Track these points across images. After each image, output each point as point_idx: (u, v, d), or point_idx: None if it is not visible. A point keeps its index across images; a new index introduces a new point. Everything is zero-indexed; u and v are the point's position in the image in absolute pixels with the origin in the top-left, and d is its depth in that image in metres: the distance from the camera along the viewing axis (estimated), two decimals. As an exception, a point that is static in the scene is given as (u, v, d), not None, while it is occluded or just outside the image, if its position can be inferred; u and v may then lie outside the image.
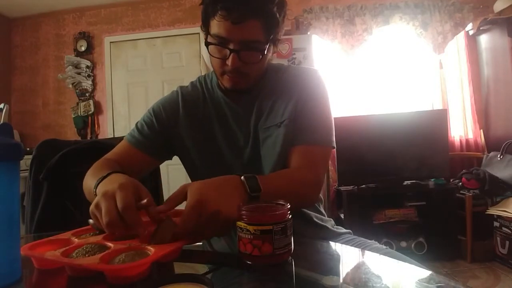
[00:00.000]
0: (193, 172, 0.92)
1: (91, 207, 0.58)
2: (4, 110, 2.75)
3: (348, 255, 0.67)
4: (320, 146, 0.82)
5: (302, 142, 0.81)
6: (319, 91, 0.86)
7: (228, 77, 0.79)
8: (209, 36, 0.78)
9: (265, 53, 0.77)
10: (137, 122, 0.92)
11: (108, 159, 0.86)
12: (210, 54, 0.79)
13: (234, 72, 0.77)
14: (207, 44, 0.78)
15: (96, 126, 3.62)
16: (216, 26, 0.74)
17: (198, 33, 3.53)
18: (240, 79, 0.79)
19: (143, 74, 3.63)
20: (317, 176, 0.79)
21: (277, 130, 0.83)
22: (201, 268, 0.58)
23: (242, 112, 0.87)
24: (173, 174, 2.70)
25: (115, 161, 0.85)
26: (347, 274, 0.54)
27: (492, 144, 2.97)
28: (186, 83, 0.96)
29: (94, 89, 3.65)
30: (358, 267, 0.60)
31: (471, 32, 3.10)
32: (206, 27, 0.78)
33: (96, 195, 0.64)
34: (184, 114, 0.89)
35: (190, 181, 0.72)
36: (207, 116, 0.89)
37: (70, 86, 3.60)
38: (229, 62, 0.75)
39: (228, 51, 0.75)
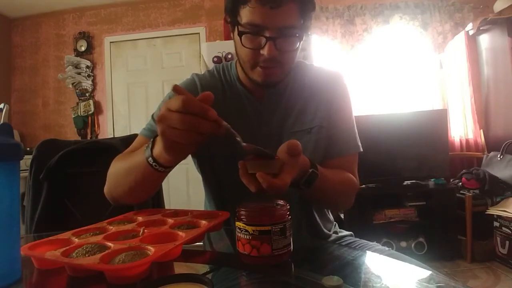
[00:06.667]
0: (202, 167, 0.89)
1: (161, 117, 0.51)
2: (4, 110, 2.76)
3: (348, 256, 0.67)
4: (355, 153, 0.87)
5: (343, 154, 0.84)
6: (347, 97, 0.89)
7: (261, 69, 0.74)
8: (239, 26, 0.71)
9: (302, 39, 0.74)
10: (152, 114, 0.86)
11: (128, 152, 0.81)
12: (242, 45, 0.72)
13: (269, 62, 0.72)
14: (240, 34, 0.71)
15: (96, 126, 3.62)
16: (249, 13, 0.68)
17: (198, 33, 3.53)
18: (274, 70, 0.75)
19: (143, 74, 3.63)
20: (358, 181, 0.84)
21: (306, 136, 0.82)
22: (201, 268, 0.58)
23: (265, 111, 0.84)
24: (173, 174, 2.69)
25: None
26: (347, 274, 0.54)
27: (492, 144, 2.97)
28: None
29: (94, 89, 3.65)
30: (358, 267, 0.60)
31: (471, 32, 3.10)
32: (233, 16, 0.73)
33: (152, 157, 0.61)
34: None
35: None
36: (225, 109, 0.83)
37: (70, 86, 3.60)
38: (264, 51, 0.70)
39: (263, 40, 0.69)
